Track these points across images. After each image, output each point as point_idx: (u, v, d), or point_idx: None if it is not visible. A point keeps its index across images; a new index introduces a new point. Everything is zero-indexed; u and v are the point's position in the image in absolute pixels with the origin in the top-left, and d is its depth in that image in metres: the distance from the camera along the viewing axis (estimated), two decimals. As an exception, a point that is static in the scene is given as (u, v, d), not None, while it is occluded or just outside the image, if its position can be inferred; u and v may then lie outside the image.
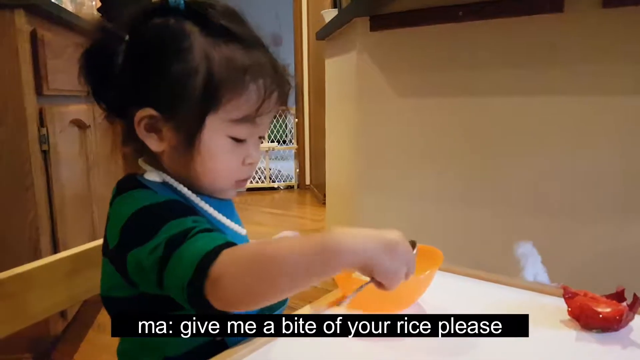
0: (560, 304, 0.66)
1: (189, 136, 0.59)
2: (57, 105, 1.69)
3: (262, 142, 0.70)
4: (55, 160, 1.64)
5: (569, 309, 0.63)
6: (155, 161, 0.64)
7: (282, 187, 4.66)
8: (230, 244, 0.51)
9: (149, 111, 0.59)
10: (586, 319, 0.61)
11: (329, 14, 2.40)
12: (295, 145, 4.61)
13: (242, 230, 0.67)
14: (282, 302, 0.69)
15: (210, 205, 0.64)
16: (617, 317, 0.58)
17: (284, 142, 5.08)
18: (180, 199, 0.61)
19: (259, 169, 4.61)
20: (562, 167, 1.43)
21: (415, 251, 0.57)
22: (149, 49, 0.59)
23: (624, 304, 0.60)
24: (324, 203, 3.12)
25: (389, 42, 1.69)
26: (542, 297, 0.72)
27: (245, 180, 0.67)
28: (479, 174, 1.57)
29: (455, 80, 1.58)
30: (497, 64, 1.50)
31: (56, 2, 1.68)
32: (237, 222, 0.69)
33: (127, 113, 0.61)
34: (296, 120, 4.54)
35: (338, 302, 0.71)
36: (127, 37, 0.60)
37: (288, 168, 4.87)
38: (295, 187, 4.64)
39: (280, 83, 0.63)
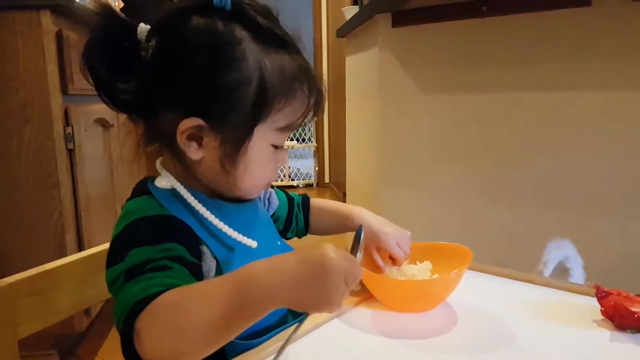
0: (592, 304, 0.64)
1: (236, 146, 0.57)
2: (82, 104, 1.71)
3: None
4: (80, 159, 1.66)
5: (602, 309, 0.62)
6: (174, 162, 0.61)
7: (301, 186, 4.67)
8: (170, 287, 0.46)
9: (197, 121, 0.56)
10: (621, 318, 0.59)
11: (350, 10, 2.39)
12: (314, 144, 4.61)
13: (252, 243, 0.62)
14: None
15: (220, 217, 0.60)
16: (654, 317, 0.57)
17: (303, 140, 5.09)
18: (178, 212, 0.58)
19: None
20: (587, 163, 1.40)
21: (361, 241, 0.56)
22: (196, 53, 0.55)
23: (661, 303, 0.59)
24: (344, 201, 3.11)
25: (411, 38, 1.67)
26: (573, 296, 0.70)
27: (274, 180, 0.67)
28: (502, 171, 1.55)
29: (478, 76, 1.56)
30: (522, 59, 1.47)
31: (81, 2, 1.70)
32: (252, 230, 0.65)
33: (153, 114, 0.59)
34: (315, 118, 4.54)
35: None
36: (156, 35, 0.57)
37: (307, 166, 4.88)
38: (315, 185, 4.65)
39: (318, 86, 0.61)
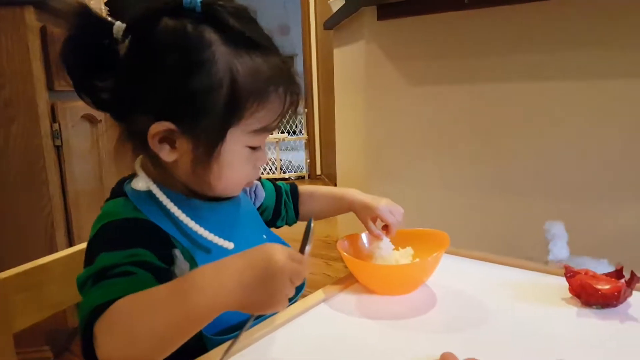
0: (562, 283, 0.67)
1: (208, 149, 0.57)
2: (68, 100, 1.71)
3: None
4: (68, 155, 1.66)
5: (570, 287, 0.65)
6: (150, 163, 0.61)
7: (292, 178, 4.68)
8: (130, 293, 0.47)
9: (167, 125, 0.55)
10: (587, 296, 0.62)
11: (336, 3, 2.40)
12: (305, 136, 4.62)
13: (229, 245, 0.62)
14: (299, 290, 0.70)
15: (196, 219, 0.60)
16: (616, 294, 0.60)
17: (294, 132, 5.09)
18: (153, 214, 0.59)
19: (270, 160, 4.64)
20: (570, 152, 1.43)
21: (309, 235, 0.54)
22: (165, 56, 0.54)
23: (622, 281, 0.62)
24: (334, 192, 3.13)
25: (397, 31, 1.69)
26: (545, 276, 0.73)
27: (254, 179, 0.67)
28: (488, 160, 1.58)
29: (463, 67, 1.58)
30: (504, 50, 1.49)
31: (64, -1, 1.69)
32: (232, 228, 0.66)
33: (128, 116, 0.58)
34: (305, 110, 4.55)
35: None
36: (129, 36, 0.56)
37: (299, 158, 4.89)
38: (306, 177, 4.66)
39: (295, 86, 0.60)
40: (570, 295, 0.65)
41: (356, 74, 1.99)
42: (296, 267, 0.48)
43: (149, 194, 0.60)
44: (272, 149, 4.67)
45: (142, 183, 0.60)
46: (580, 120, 1.41)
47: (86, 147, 1.90)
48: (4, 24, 1.47)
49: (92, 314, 0.47)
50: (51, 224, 1.58)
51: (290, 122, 4.88)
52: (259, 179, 0.82)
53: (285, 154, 5.05)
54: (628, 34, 1.31)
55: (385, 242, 0.76)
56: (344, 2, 2.07)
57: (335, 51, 2.55)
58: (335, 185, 2.97)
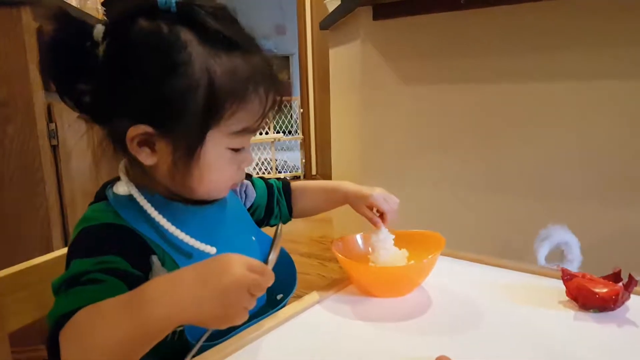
0: (559, 286, 0.67)
1: (188, 152, 0.56)
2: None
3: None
4: (64, 155, 1.66)
5: (567, 290, 0.65)
6: (133, 166, 0.61)
7: (288, 178, 4.68)
8: (95, 302, 0.47)
9: (144, 128, 0.54)
10: (584, 299, 0.62)
11: (332, 3, 2.40)
12: (300, 136, 4.62)
13: (211, 250, 0.60)
14: (290, 291, 0.70)
15: (178, 223, 0.59)
16: (614, 297, 0.60)
17: (290, 132, 5.10)
18: (133, 219, 0.58)
19: (265, 160, 4.63)
20: (563, 152, 1.44)
21: (275, 241, 0.53)
22: (140, 59, 0.53)
23: (620, 284, 0.62)
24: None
25: (392, 31, 1.69)
26: (541, 279, 0.74)
27: (237, 183, 0.65)
28: (483, 160, 1.58)
29: (458, 67, 1.59)
30: (500, 50, 1.50)
31: (61, -2, 1.69)
32: (216, 232, 0.64)
33: (108, 119, 0.57)
34: (301, 110, 4.55)
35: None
36: (107, 38, 0.54)
37: (294, 158, 4.89)
38: (302, 177, 4.66)
39: (276, 86, 0.59)
40: (567, 298, 0.65)
41: (352, 73, 1.99)
42: (255, 278, 0.46)
43: (130, 198, 0.59)
44: (267, 148, 4.67)
45: (123, 187, 0.60)
46: (576, 120, 1.42)
47: (82, 147, 1.89)
48: (1, 24, 1.46)
49: (57, 322, 0.47)
50: (47, 224, 1.58)
51: (286, 122, 4.90)
52: (250, 178, 0.81)
53: (281, 153, 5.05)
54: (626, 34, 1.31)
55: (384, 232, 0.76)
56: (340, 2, 2.07)
57: (331, 51, 2.55)
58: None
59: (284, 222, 0.85)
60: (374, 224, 0.77)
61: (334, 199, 0.84)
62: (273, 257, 0.53)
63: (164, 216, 0.59)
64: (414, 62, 1.68)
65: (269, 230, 0.79)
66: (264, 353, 0.56)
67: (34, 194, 1.56)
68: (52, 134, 1.59)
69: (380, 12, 1.68)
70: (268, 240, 0.71)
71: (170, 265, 0.58)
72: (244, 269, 0.46)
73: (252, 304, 0.47)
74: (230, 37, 0.55)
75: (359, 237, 0.81)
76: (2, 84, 1.49)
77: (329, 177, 3.45)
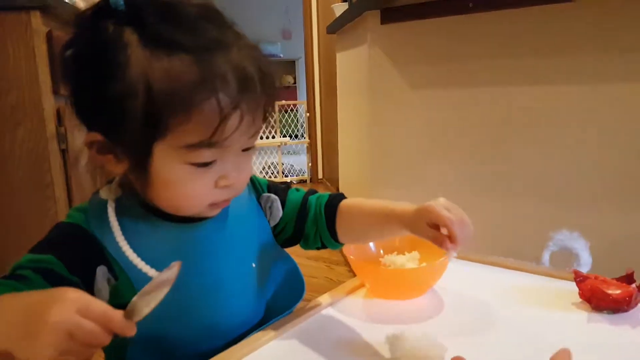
0: (571, 288, 0.67)
1: (139, 164, 0.52)
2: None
3: (253, 149, 0.57)
4: (73, 159, 1.67)
5: (580, 292, 0.65)
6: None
7: (294, 182, 4.68)
8: None
9: (95, 136, 0.52)
10: (597, 300, 0.62)
11: (339, 7, 2.41)
12: (307, 140, 4.62)
13: (149, 271, 0.55)
14: (296, 300, 0.68)
15: (143, 240, 0.56)
16: (627, 298, 0.60)
17: (296, 136, 5.10)
18: (99, 227, 0.56)
19: (272, 163, 4.64)
20: (574, 156, 1.43)
21: (152, 286, 0.43)
22: (84, 61, 0.50)
23: (634, 285, 0.62)
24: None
25: (400, 35, 1.69)
26: (554, 281, 0.73)
27: (225, 201, 0.57)
28: (492, 165, 1.58)
29: (467, 71, 1.58)
30: (507, 54, 1.50)
31: (69, 2, 1.70)
32: (193, 253, 0.59)
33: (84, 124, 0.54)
34: (308, 114, 4.55)
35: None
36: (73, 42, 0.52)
37: (300, 162, 4.90)
38: (308, 181, 4.66)
39: (251, 95, 0.50)
40: (580, 300, 0.65)
41: (359, 77, 1.99)
42: (83, 324, 0.40)
43: (104, 204, 0.57)
44: (274, 152, 4.68)
45: (105, 192, 0.58)
46: (587, 124, 1.41)
47: (91, 151, 1.90)
48: (10, 28, 1.48)
49: None
50: (56, 227, 1.59)
51: (292, 126, 4.91)
52: (286, 190, 0.71)
53: (287, 157, 5.06)
54: (633, 38, 1.31)
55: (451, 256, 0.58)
56: (347, 7, 2.08)
57: (338, 55, 2.56)
58: (338, 189, 2.97)
59: (332, 248, 0.70)
60: (440, 244, 0.57)
61: (389, 226, 0.65)
62: (141, 302, 0.42)
63: (130, 230, 0.56)
64: (422, 66, 1.68)
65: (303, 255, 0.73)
66: (278, 355, 0.56)
67: (44, 197, 1.57)
68: (62, 138, 1.60)
69: (388, 16, 1.68)
70: (275, 267, 0.68)
71: (125, 282, 0.55)
72: (71, 311, 0.40)
73: (79, 351, 0.41)
74: (174, 38, 0.48)
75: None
76: (12, 88, 1.50)
77: (335, 182, 3.44)
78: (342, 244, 0.70)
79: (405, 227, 0.62)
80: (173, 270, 0.44)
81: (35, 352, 0.39)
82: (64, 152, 1.62)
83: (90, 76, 0.50)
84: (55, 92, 1.59)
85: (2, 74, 1.49)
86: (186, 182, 0.52)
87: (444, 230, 0.57)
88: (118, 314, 0.42)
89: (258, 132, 0.55)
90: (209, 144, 0.50)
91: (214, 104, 0.48)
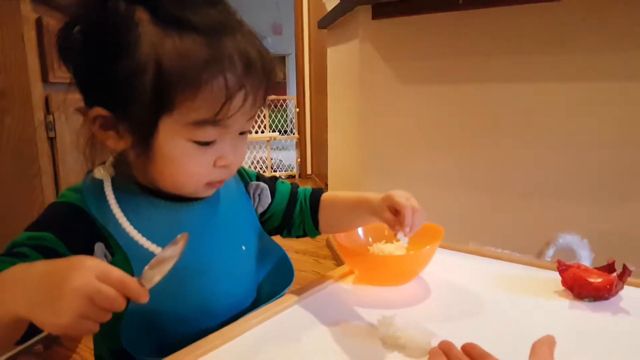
0: (554, 277, 0.69)
1: (143, 140, 0.53)
2: (63, 92, 1.70)
3: (249, 134, 0.61)
4: (61, 148, 1.66)
5: (563, 280, 0.66)
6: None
7: (283, 177, 4.69)
8: None
9: (100, 111, 0.53)
10: (579, 288, 0.64)
11: (331, 2, 2.41)
12: (296, 135, 4.63)
13: (155, 249, 0.56)
14: (287, 284, 0.69)
15: (140, 217, 0.57)
16: (608, 286, 0.62)
17: (285, 132, 5.10)
18: (95, 206, 0.56)
19: (261, 158, 4.64)
20: (565, 152, 1.46)
21: (164, 253, 0.45)
22: (95, 37, 0.51)
23: (614, 274, 0.63)
24: (326, 191, 3.13)
25: (391, 30, 1.71)
26: (537, 270, 0.75)
27: (220, 182, 0.60)
28: (481, 158, 1.60)
29: (456, 67, 1.60)
30: (497, 51, 1.52)
31: (60, -9, 1.69)
32: (197, 233, 0.58)
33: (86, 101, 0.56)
34: (297, 110, 4.55)
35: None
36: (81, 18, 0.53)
37: (289, 158, 4.90)
38: (297, 176, 4.67)
39: (254, 77, 0.53)
40: (562, 288, 0.67)
41: (350, 73, 2.00)
42: (102, 289, 0.41)
43: (99, 183, 0.58)
44: (263, 147, 4.67)
45: (100, 172, 0.59)
46: (575, 120, 1.43)
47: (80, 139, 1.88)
48: (0, 15, 1.46)
49: None
50: (43, 216, 1.58)
51: (282, 122, 4.91)
52: (275, 181, 0.76)
53: (276, 153, 5.06)
54: (624, 36, 1.33)
55: (402, 240, 0.66)
56: (339, 1, 2.08)
57: (329, 50, 2.56)
58: (326, 185, 2.97)
59: (312, 237, 0.77)
60: (392, 227, 0.65)
61: (361, 212, 0.71)
62: (152, 272, 0.45)
63: (127, 207, 0.57)
64: (412, 61, 1.69)
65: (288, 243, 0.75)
66: (266, 339, 0.57)
67: (31, 186, 1.55)
68: (50, 126, 1.59)
69: (379, 12, 1.69)
70: (265, 253, 0.70)
71: (121, 258, 0.56)
72: (91, 277, 0.41)
73: (97, 316, 0.42)
74: (185, 17, 0.50)
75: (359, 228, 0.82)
76: (0, 74, 1.48)
77: (324, 177, 3.45)
78: (320, 233, 0.77)
79: (371, 213, 0.69)
80: (181, 241, 0.46)
81: (57, 317, 0.41)
82: (52, 141, 1.61)
83: (99, 53, 0.51)
84: (44, 79, 1.58)
85: (-10, 60, 1.48)
86: (188, 159, 0.54)
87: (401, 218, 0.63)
88: (134, 280, 0.44)
89: (255, 115, 0.58)
90: (214, 121, 0.52)
91: (221, 83, 0.50)
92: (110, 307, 0.42)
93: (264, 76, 0.54)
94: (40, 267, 0.44)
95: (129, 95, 0.50)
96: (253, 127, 4.52)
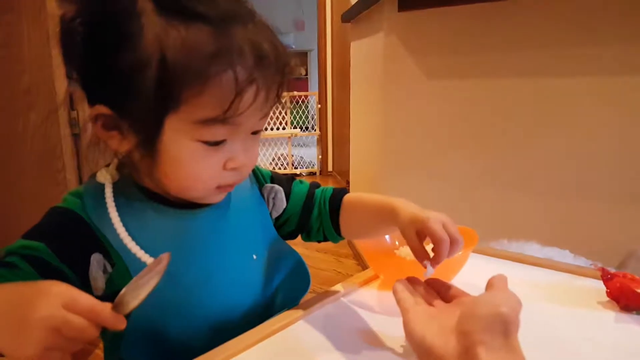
0: (597, 286, 0.65)
1: (147, 140, 0.49)
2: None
3: (261, 133, 0.56)
4: (85, 143, 1.66)
5: (608, 290, 0.62)
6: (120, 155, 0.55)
7: (304, 174, 4.67)
8: None
9: (101, 109, 0.49)
10: (626, 300, 0.60)
11: (355, -4, 2.38)
12: (317, 132, 4.60)
13: (148, 259, 0.53)
14: (302, 293, 0.67)
15: (141, 225, 0.54)
16: (660, 298, 0.57)
17: (307, 128, 5.09)
18: (95, 212, 0.53)
19: (282, 155, 4.63)
20: (593, 148, 1.40)
21: (141, 279, 0.41)
22: (95, 30, 0.47)
23: (666, 285, 0.59)
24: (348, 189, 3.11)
25: (417, 23, 1.66)
26: (578, 278, 0.71)
27: (231, 185, 0.56)
28: (507, 156, 1.55)
29: (483, 61, 1.55)
30: (527, 44, 1.46)
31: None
32: (191, 242, 0.57)
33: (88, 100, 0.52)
34: (319, 106, 4.52)
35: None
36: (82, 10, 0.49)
37: (310, 154, 4.88)
38: (318, 173, 4.65)
39: (267, 71, 0.49)
40: (607, 299, 0.62)
41: (374, 67, 1.97)
42: (70, 318, 0.38)
43: (100, 188, 0.55)
44: (284, 144, 4.66)
45: (102, 176, 0.56)
46: (614, 115, 1.37)
47: (103, 136, 1.90)
48: (26, 10, 1.47)
49: None
50: (67, 212, 1.59)
51: (303, 118, 4.89)
52: (291, 182, 0.71)
53: (297, 149, 5.03)
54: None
55: (429, 271, 0.58)
56: (364, -5, 2.04)
57: (353, 44, 2.53)
58: (348, 182, 2.94)
59: (334, 242, 0.70)
60: (420, 260, 0.57)
61: (382, 218, 0.63)
62: (129, 296, 0.41)
63: (129, 213, 0.54)
64: (439, 55, 1.64)
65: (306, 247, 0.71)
66: (288, 344, 0.55)
67: (55, 182, 1.56)
68: (74, 122, 1.59)
69: (406, 3, 1.64)
70: (279, 260, 0.65)
71: (122, 268, 0.53)
72: (56, 307, 0.38)
73: (66, 346, 0.39)
74: (190, 7, 0.46)
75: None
76: (25, 71, 1.49)
77: (345, 174, 3.42)
78: (343, 238, 0.69)
79: (396, 225, 0.60)
80: (162, 262, 0.43)
81: (22, 348, 0.38)
82: (76, 137, 1.62)
83: (100, 46, 0.47)
84: (69, 76, 1.58)
85: (16, 56, 1.49)
86: (195, 160, 0.51)
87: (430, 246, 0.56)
88: (106, 307, 0.40)
89: (268, 113, 0.54)
90: (223, 119, 0.48)
91: (230, 77, 0.46)
92: (80, 337, 0.39)
93: (277, 70, 0.50)
94: (6, 294, 0.41)
95: (132, 91, 0.46)
96: (274, 124, 4.50)
